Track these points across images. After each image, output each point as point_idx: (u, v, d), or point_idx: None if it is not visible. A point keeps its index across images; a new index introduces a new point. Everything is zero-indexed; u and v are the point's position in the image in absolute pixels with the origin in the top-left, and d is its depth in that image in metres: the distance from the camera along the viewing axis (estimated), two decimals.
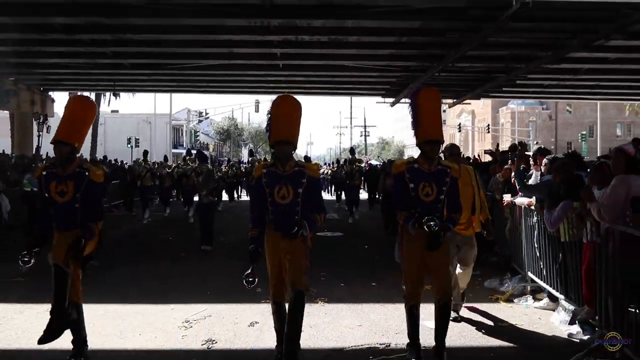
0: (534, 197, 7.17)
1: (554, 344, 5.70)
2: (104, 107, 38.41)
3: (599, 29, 13.70)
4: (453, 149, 6.69)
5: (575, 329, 5.81)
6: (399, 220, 5.20)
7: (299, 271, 4.91)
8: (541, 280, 7.15)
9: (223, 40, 15.82)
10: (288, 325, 4.84)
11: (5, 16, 13.18)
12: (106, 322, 6.37)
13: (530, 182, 7.94)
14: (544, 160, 7.53)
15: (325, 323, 6.24)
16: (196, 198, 13.99)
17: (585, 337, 5.60)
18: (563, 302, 6.32)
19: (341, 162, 24.99)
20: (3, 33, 14.99)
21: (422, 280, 5.14)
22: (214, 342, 5.74)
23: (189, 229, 15.11)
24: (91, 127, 22.19)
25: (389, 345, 5.62)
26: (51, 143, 5.03)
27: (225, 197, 23.88)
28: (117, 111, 56.18)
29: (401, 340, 5.54)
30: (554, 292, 6.70)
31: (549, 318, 6.45)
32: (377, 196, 21.28)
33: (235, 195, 26.92)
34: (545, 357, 5.44)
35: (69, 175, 5.00)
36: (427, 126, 5.12)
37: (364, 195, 22.45)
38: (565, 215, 6.08)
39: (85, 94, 30.75)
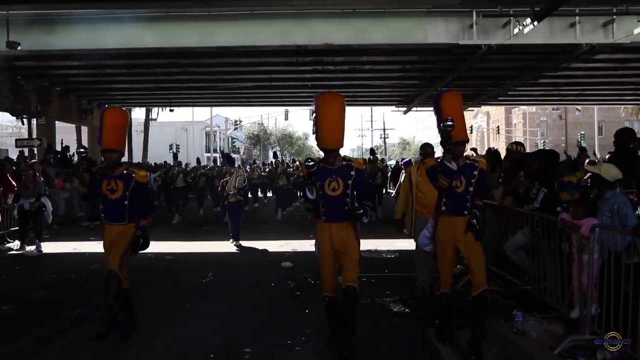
0: None
1: None
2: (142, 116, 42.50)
3: (558, 58, 17.67)
4: (427, 148, 7.71)
5: None
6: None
7: (352, 265, 5.12)
8: None
9: (265, 70, 20.18)
10: (340, 326, 5.09)
11: (108, 60, 17.68)
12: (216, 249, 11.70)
13: None
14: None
15: None
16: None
17: None
18: None
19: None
20: (99, 69, 19.62)
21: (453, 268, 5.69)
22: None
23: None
24: (142, 135, 27.10)
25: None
26: (102, 151, 5.60)
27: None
28: (155, 119, 60.72)
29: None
30: None
31: None
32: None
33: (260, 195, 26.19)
34: None
35: (118, 176, 5.59)
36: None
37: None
38: None
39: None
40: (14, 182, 12.63)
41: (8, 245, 12.13)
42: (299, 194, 22.69)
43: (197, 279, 8.64)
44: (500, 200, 7.39)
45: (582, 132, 46.06)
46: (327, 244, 5.16)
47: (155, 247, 10.21)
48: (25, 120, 21.70)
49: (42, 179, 12.60)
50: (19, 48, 13.93)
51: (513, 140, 11.48)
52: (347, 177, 5.13)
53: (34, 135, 22.28)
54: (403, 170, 14.95)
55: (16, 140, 21.64)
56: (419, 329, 5.98)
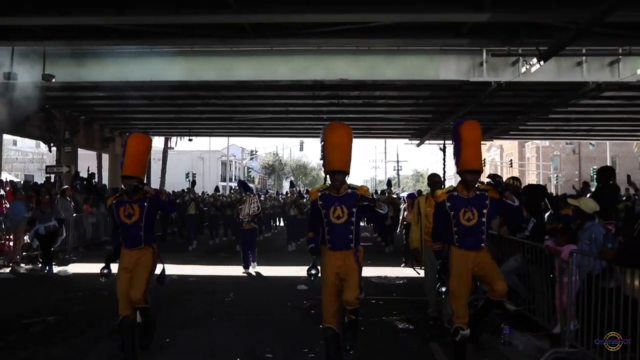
0: None
1: None
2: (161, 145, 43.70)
3: (566, 95, 18.33)
4: (434, 178, 7.89)
5: None
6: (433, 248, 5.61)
7: (352, 285, 5.20)
8: None
9: (282, 103, 21.04)
10: (348, 335, 5.33)
11: (133, 92, 18.55)
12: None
13: None
14: None
15: None
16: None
17: None
18: None
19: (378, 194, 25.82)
20: (123, 100, 20.52)
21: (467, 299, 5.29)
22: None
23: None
24: (160, 163, 28.27)
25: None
26: (121, 177, 5.65)
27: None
28: (172, 148, 61.91)
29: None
30: None
31: None
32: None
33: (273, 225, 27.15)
34: None
35: (134, 200, 5.61)
36: (467, 156, 5.28)
37: None
38: None
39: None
40: None
41: (41, 265, 12.85)
42: None
43: (219, 298, 9.36)
44: (498, 229, 8.04)
45: (595, 167, 46.31)
46: (331, 271, 5.25)
47: (179, 270, 11.08)
48: (54, 148, 22.71)
49: (72, 204, 13.40)
50: (53, 80, 14.86)
51: (526, 174, 12.09)
52: (351, 204, 5.18)
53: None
54: (405, 205, 15.48)
55: (46, 167, 22.66)
56: (422, 343, 6.55)
